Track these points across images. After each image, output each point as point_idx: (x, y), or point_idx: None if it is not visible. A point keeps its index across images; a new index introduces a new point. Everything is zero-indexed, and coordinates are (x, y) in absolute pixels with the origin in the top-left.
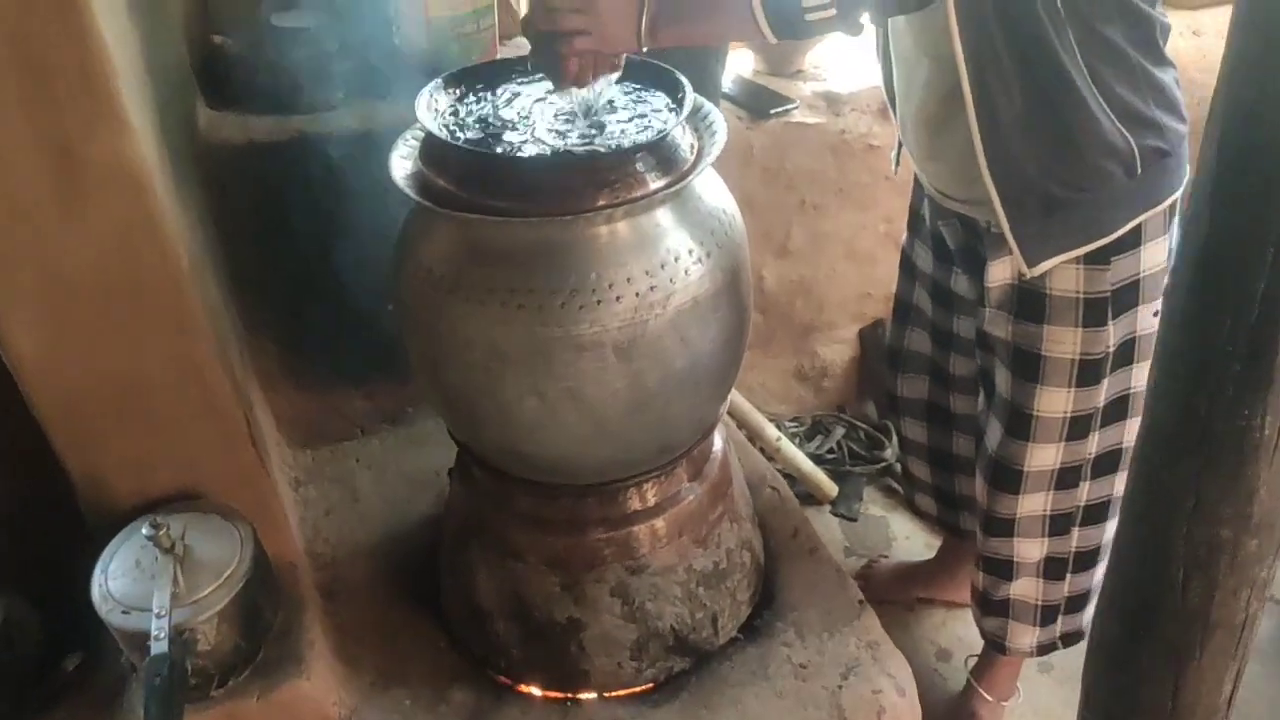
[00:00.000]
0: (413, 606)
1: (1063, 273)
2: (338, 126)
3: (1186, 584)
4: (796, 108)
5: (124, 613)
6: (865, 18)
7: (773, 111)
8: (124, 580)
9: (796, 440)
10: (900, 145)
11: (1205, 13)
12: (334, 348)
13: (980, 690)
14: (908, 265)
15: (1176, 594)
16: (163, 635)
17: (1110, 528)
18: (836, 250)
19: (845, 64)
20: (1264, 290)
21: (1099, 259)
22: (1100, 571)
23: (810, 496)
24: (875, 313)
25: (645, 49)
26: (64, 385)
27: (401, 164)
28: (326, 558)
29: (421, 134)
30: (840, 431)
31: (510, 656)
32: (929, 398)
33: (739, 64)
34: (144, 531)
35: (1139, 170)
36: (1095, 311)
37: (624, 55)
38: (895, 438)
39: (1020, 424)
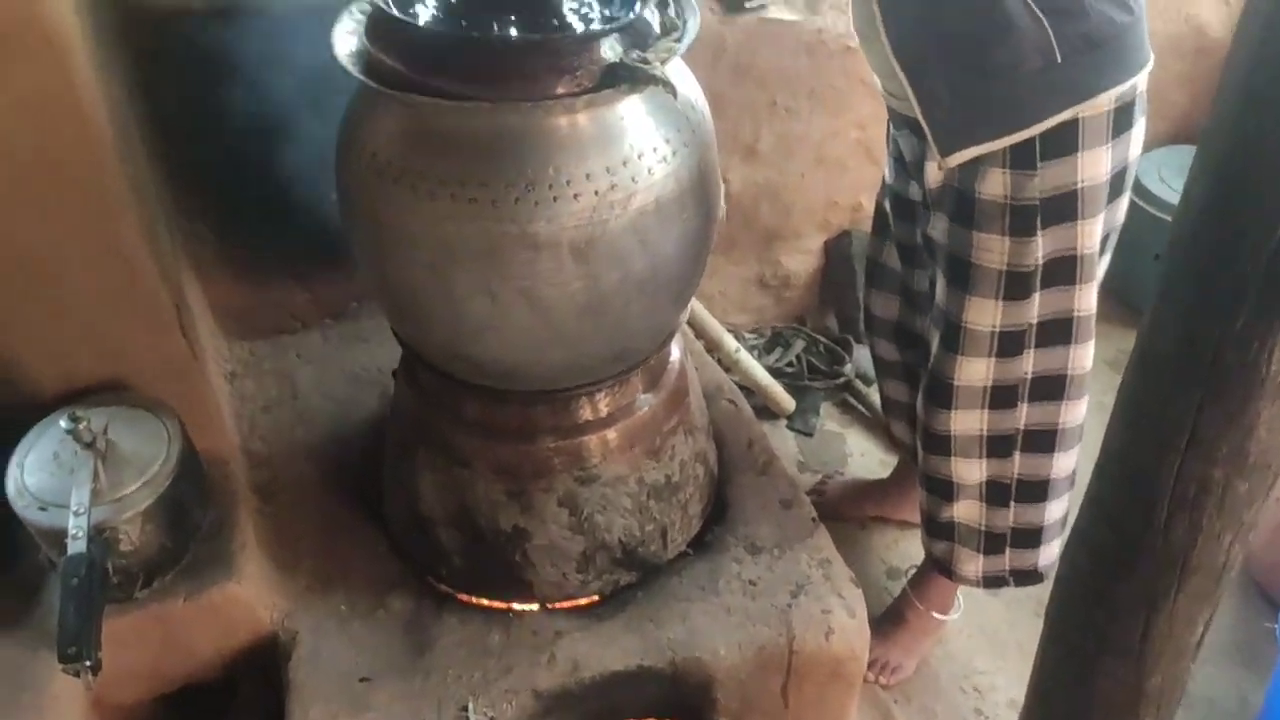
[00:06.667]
0: (353, 509)
1: (990, 176)
2: None
3: (1170, 525)
4: (772, 3)
5: (41, 509)
6: None
7: (747, 5)
8: (41, 475)
9: (755, 352)
10: None
11: None
12: (275, 237)
13: (913, 599)
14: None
15: (1158, 534)
16: (81, 535)
17: (1059, 461)
18: (806, 155)
19: None
20: None
21: (1025, 163)
22: (1052, 509)
23: (766, 410)
24: (842, 222)
25: None
26: None
27: (346, 40)
28: (263, 456)
29: (369, 7)
30: (800, 345)
31: (452, 565)
32: (899, 318)
33: None
34: (62, 424)
35: (1058, 58)
36: (1023, 220)
37: None
38: (854, 353)
39: (951, 335)
